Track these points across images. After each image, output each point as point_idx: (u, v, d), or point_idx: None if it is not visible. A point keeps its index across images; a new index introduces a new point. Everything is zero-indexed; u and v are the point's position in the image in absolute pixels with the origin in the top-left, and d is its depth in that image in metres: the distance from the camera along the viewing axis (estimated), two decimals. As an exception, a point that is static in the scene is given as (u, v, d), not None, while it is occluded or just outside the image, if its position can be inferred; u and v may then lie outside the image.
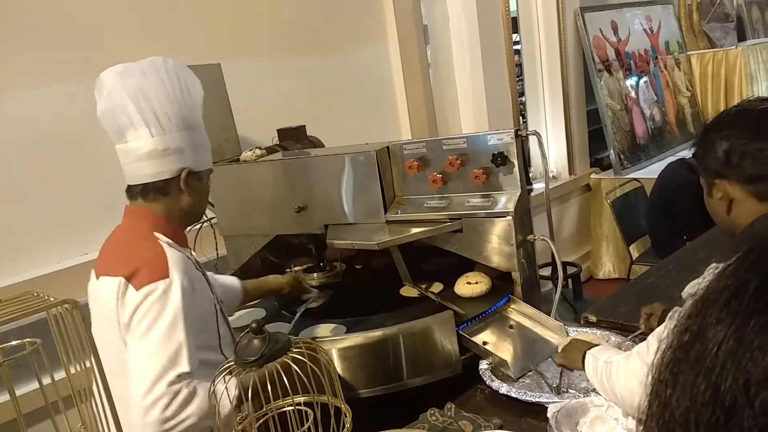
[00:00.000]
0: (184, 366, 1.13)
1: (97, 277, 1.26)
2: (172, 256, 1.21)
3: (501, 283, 1.74)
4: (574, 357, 1.35)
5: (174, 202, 1.31)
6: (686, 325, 0.45)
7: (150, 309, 1.15)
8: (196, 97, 1.33)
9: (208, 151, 1.39)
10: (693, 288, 1.07)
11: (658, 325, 1.44)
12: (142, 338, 1.14)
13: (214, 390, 0.85)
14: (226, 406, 1.00)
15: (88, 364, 0.70)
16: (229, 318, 1.79)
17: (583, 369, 1.30)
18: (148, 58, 1.28)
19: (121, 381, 1.12)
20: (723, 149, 1.14)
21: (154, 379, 1.11)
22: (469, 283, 1.73)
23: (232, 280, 1.75)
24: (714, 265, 1.21)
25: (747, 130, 1.13)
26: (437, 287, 1.80)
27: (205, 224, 2.27)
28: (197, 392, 1.13)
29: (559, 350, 1.43)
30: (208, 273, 1.43)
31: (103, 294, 1.20)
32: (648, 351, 1.10)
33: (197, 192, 1.35)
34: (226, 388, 0.93)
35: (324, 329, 1.66)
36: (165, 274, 1.18)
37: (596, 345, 1.35)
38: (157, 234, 1.26)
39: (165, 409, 1.10)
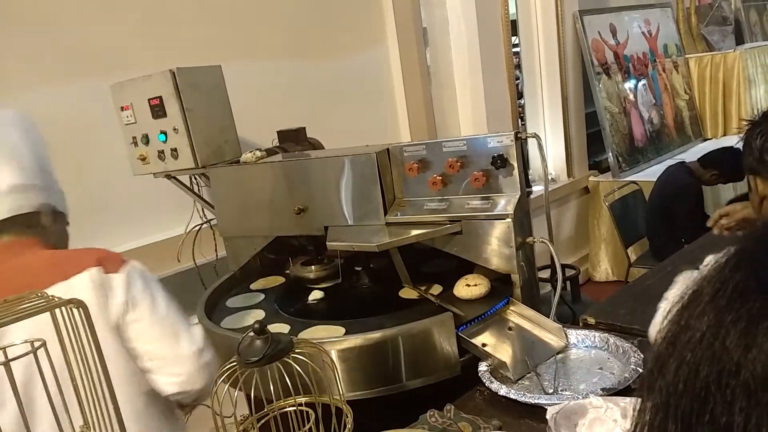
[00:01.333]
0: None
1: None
2: None
3: (500, 285, 1.74)
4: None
5: (41, 234, 1.29)
6: (677, 318, 0.47)
7: (143, 284, 1.21)
8: (44, 145, 1.36)
9: (64, 199, 1.38)
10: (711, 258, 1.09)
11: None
12: (153, 305, 1.20)
13: (216, 391, 0.85)
14: None
15: (92, 364, 0.70)
16: (228, 317, 1.80)
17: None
18: (5, 111, 1.34)
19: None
20: (757, 146, 1.18)
21: (191, 328, 1.23)
22: (468, 285, 1.73)
23: None
24: (713, 255, 1.23)
25: None
26: (436, 289, 1.81)
27: (205, 226, 2.28)
28: None
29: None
30: None
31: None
32: None
33: (56, 233, 1.34)
34: None
35: (322, 330, 1.66)
36: (124, 260, 1.23)
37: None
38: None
39: (208, 351, 1.23)
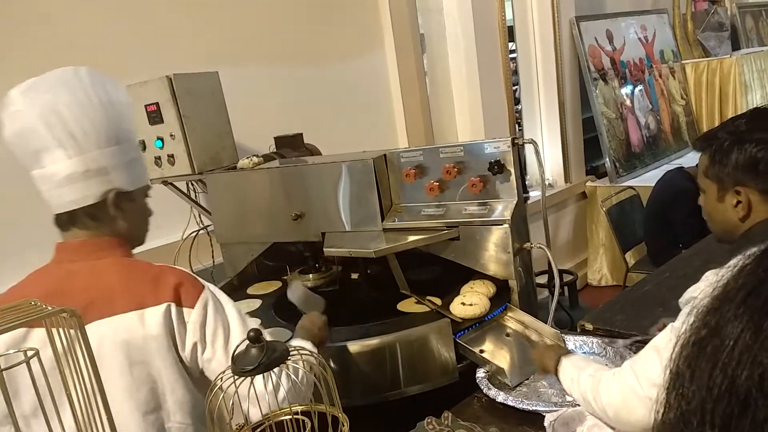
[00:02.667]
0: None
1: (88, 322, 1.07)
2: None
3: (498, 292, 1.74)
4: (546, 363, 1.32)
5: (109, 227, 1.17)
6: (704, 321, 0.47)
7: (216, 316, 1.15)
8: (120, 107, 1.17)
9: (141, 167, 1.24)
10: (692, 293, 1.06)
11: None
12: (227, 343, 1.15)
13: (210, 399, 0.84)
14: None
15: (86, 375, 0.69)
16: None
17: (554, 374, 1.29)
18: (57, 70, 1.13)
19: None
20: (749, 156, 1.12)
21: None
22: (463, 303, 1.66)
23: None
24: (712, 271, 1.21)
25: None
26: (436, 301, 1.78)
27: (201, 232, 2.28)
28: None
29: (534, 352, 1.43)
30: None
31: (128, 329, 1.10)
32: (667, 345, 1.07)
33: (131, 215, 1.21)
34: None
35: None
36: (201, 285, 1.17)
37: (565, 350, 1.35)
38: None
39: (283, 385, 1.09)
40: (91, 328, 1.05)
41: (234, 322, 1.18)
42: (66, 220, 1.15)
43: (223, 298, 1.20)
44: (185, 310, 1.13)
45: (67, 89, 1.10)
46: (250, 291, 2.04)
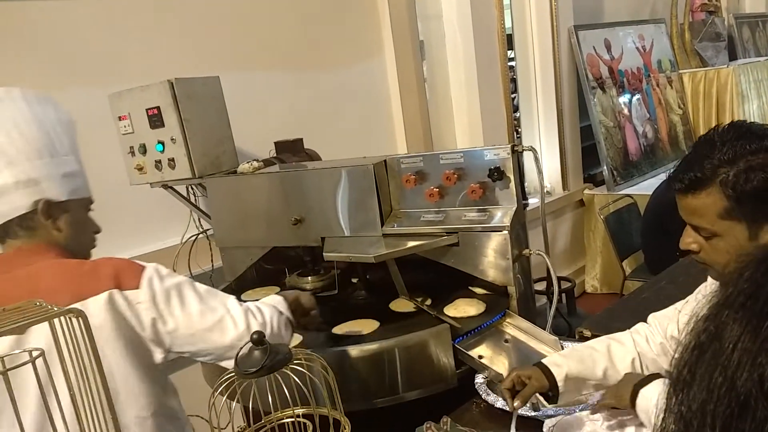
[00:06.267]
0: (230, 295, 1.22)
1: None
2: None
3: (496, 298, 1.74)
4: (622, 394, 1.17)
5: (44, 236, 1.19)
6: (704, 327, 0.48)
7: (165, 287, 1.15)
8: (51, 123, 1.20)
9: (80, 181, 1.25)
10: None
11: None
12: (184, 306, 1.16)
13: (213, 403, 0.85)
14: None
15: (91, 375, 0.70)
16: None
17: (633, 407, 1.14)
18: None
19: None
20: (742, 185, 0.98)
21: (228, 306, 1.20)
22: (455, 310, 1.72)
23: None
24: (703, 285, 1.20)
25: None
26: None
27: (201, 236, 2.28)
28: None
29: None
30: None
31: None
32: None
33: (68, 226, 1.21)
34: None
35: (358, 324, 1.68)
36: (141, 265, 1.17)
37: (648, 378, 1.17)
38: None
39: (255, 316, 1.21)
40: (35, 333, 1.01)
41: (185, 286, 1.19)
42: (1, 233, 1.18)
43: (166, 271, 1.20)
44: (130, 292, 1.12)
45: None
46: (244, 297, 2.02)
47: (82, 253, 1.28)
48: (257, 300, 1.32)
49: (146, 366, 1.16)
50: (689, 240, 1.11)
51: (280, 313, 1.29)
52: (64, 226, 1.21)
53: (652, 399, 1.08)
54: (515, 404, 1.23)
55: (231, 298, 1.24)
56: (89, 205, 1.30)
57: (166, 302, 1.15)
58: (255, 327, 1.17)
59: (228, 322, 1.18)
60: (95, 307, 1.09)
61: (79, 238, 1.26)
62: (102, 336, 1.09)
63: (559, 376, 1.26)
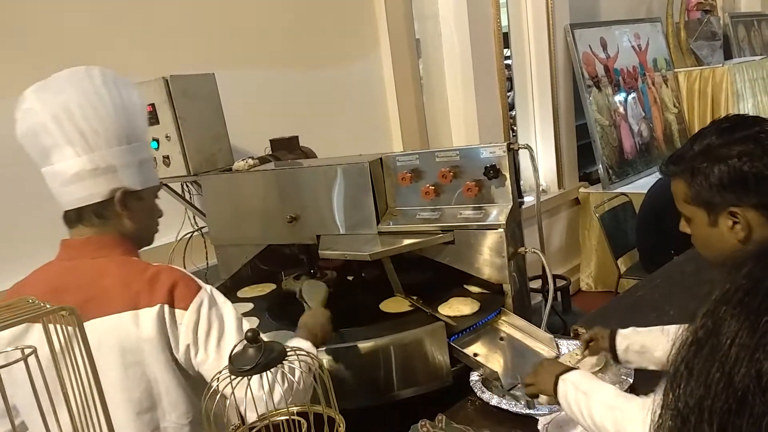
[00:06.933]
0: None
1: (85, 320, 1.05)
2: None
3: (492, 296, 1.74)
4: (544, 380, 1.22)
5: (116, 225, 1.18)
6: (701, 323, 0.48)
7: (210, 318, 1.13)
8: (131, 107, 1.17)
9: (151, 167, 1.25)
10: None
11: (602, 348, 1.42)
12: (220, 343, 1.13)
13: (207, 400, 0.84)
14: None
15: (83, 374, 0.69)
16: None
17: (554, 395, 1.19)
18: (69, 69, 1.14)
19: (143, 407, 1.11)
20: (736, 172, 1.02)
21: None
22: (449, 308, 1.71)
23: None
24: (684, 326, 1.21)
25: (759, 149, 1.01)
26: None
27: (196, 233, 2.27)
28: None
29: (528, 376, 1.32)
30: None
31: (123, 329, 1.10)
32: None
33: (139, 214, 1.21)
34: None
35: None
36: (198, 286, 1.16)
37: (569, 367, 1.24)
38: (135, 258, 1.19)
39: (283, 382, 1.07)
40: (88, 326, 1.03)
41: (230, 324, 1.16)
42: (73, 218, 1.17)
43: (221, 299, 1.19)
44: (178, 311, 1.12)
45: (78, 88, 1.11)
46: (240, 294, 2.02)
47: (147, 239, 1.28)
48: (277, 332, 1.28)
49: (187, 377, 1.16)
50: (681, 223, 1.18)
51: (309, 369, 1.12)
52: (136, 215, 1.19)
53: (572, 396, 1.14)
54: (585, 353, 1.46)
55: None
56: (157, 192, 1.29)
57: (206, 334, 1.13)
58: (277, 394, 1.03)
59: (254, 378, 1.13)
60: (146, 319, 1.10)
61: (148, 226, 1.27)
62: (150, 346, 1.11)
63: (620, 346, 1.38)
